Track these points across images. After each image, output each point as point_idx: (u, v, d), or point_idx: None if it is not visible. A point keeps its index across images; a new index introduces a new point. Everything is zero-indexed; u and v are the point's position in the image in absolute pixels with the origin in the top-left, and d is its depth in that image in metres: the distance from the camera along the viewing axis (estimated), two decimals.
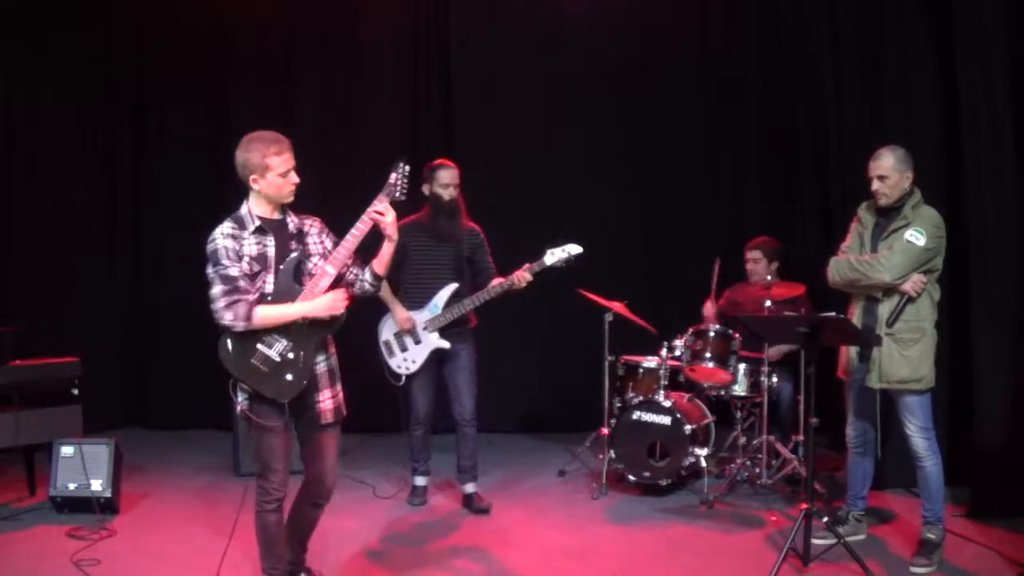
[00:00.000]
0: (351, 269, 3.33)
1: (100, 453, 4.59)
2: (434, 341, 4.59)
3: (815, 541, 3.80)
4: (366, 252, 3.35)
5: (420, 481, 4.86)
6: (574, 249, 4.37)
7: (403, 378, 4.65)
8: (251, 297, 3.12)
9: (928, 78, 4.86)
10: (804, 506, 3.70)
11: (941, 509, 3.90)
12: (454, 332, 4.62)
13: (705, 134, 6.84)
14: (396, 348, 4.67)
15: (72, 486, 4.54)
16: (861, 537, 4.14)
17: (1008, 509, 4.27)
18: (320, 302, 3.16)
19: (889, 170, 3.87)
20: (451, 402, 4.71)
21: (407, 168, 3.31)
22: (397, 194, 3.30)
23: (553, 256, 4.36)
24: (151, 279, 7.01)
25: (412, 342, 4.63)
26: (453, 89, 6.84)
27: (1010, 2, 4.33)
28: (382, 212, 3.24)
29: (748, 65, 6.75)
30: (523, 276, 4.38)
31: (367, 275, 3.36)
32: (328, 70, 6.90)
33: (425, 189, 4.67)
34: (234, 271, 3.12)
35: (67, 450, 4.58)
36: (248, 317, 3.08)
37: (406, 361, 4.63)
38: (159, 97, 7.00)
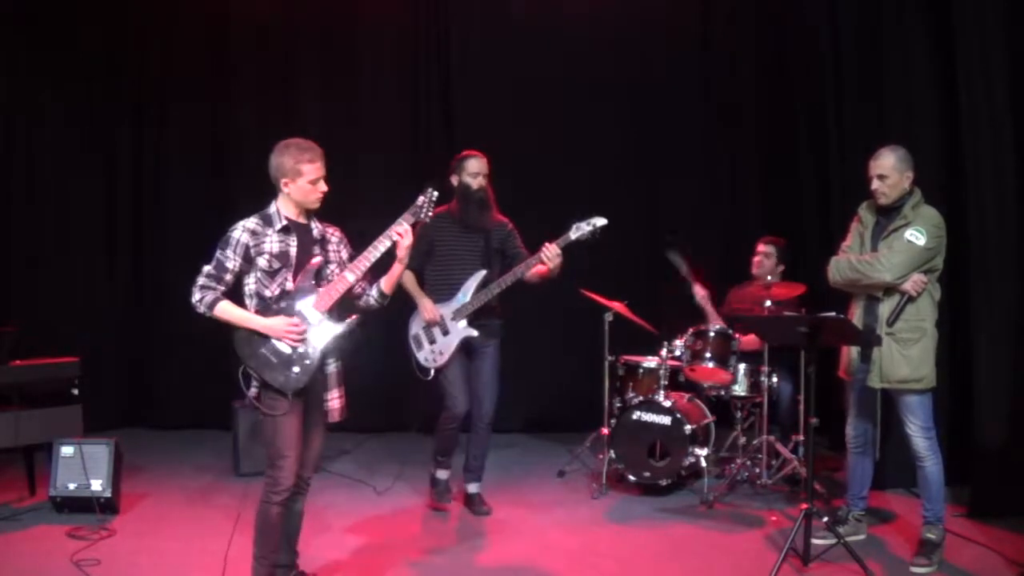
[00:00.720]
0: (359, 282, 3.40)
1: (100, 453, 4.58)
2: (462, 330, 4.48)
3: (815, 541, 3.80)
4: (378, 268, 3.42)
5: (443, 475, 4.75)
6: (599, 221, 4.23)
7: (431, 372, 4.54)
8: (223, 288, 3.27)
9: (928, 78, 4.86)
10: (804, 506, 3.70)
11: (941, 509, 3.90)
12: (482, 326, 4.52)
13: (705, 134, 6.84)
14: (425, 341, 4.55)
15: (72, 486, 4.54)
16: (861, 537, 4.14)
17: (1008, 509, 4.27)
18: (275, 323, 3.23)
19: (889, 169, 3.87)
20: (471, 400, 4.60)
21: (435, 194, 3.44)
22: (422, 215, 3.41)
23: (579, 230, 4.23)
24: (151, 279, 7.01)
25: (440, 334, 4.52)
26: (453, 89, 6.85)
27: (1010, 2, 4.34)
28: (402, 233, 3.34)
29: (748, 65, 6.75)
30: (551, 249, 4.20)
31: (374, 291, 3.47)
32: (328, 70, 6.91)
33: (453, 180, 4.59)
34: (230, 264, 3.26)
35: (67, 450, 4.58)
36: (210, 307, 3.25)
37: (434, 353, 4.52)
38: (159, 97, 7.01)
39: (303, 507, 3.52)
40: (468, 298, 4.48)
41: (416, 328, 4.60)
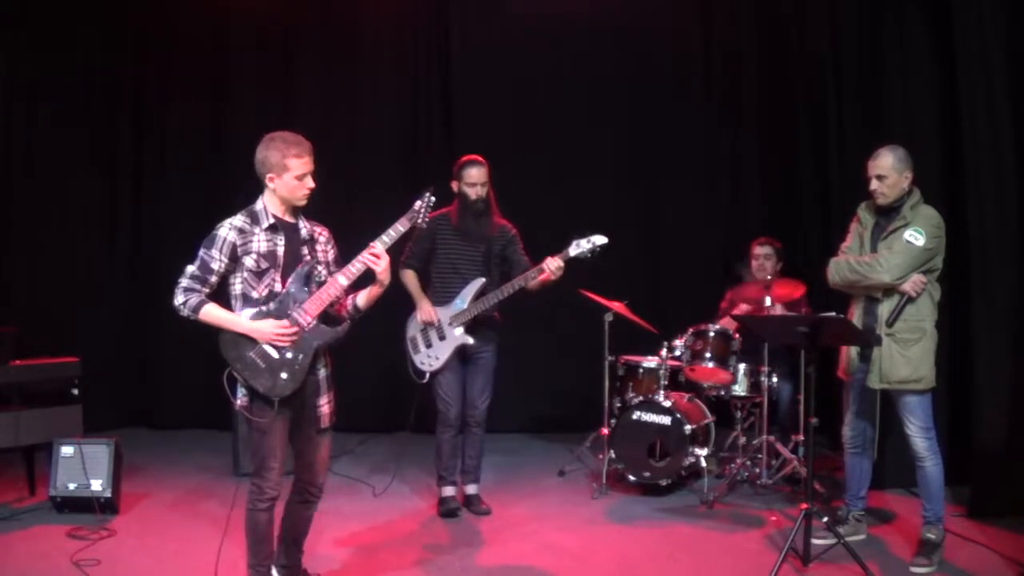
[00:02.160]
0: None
1: (100, 453, 4.58)
2: (458, 337, 4.47)
3: (815, 541, 3.80)
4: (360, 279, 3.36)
5: (449, 491, 4.69)
6: (599, 240, 4.22)
7: (427, 375, 4.53)
8: (207, 290, 3.17)
9: (928, 78, 4.87)
10: (804, 506, 3.70)
11: (941, 509, 3.89)
12: (480, 332, 4.52)
13: (705, 134, 6.84)
14: (421, 344, 4.55)
15: (72, 486, 4.54)
16: (861, 537, 4.14)
17: (1008, 509, 4.27)
18: (263, 326, 3.15)
19: (888, 169, 3.87)
20: (464, 403, 4.60)
21: (433, 199, 3.37)
22: (419, 220, 3.35)
23: (578, 247, 4.22)
24: (151, 279, 7.00)
25: (437, 338, 4.52)
26: (453, 89, 6.85)
27: (1010, 2, 4.34)
28: (377, 255, 3.21)
29: (748, 65, 6.75)
30: (554, 261, 4.21)
31: (349, 302, 3.37)
32: (328, 70, 6.91)
33: (454, 186, 4.56)
34: (215, 264, 3.16)
35: (67, 450, 4.58)
36: (195, 310, 3.14)
37: (429, 357, 4.53)
38: (159, 97, 7.01)
39: (314, 513, 3.49)
40: (466, 305, 4.47)
41: (413, 331, 4.60)
